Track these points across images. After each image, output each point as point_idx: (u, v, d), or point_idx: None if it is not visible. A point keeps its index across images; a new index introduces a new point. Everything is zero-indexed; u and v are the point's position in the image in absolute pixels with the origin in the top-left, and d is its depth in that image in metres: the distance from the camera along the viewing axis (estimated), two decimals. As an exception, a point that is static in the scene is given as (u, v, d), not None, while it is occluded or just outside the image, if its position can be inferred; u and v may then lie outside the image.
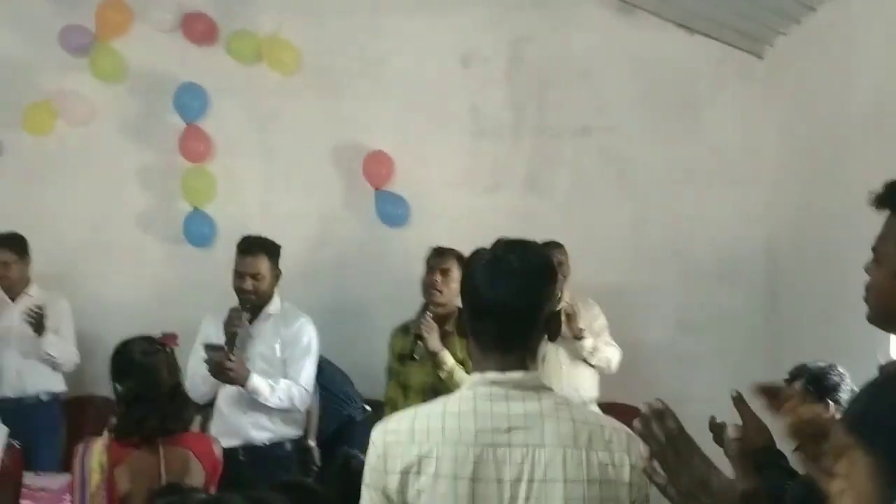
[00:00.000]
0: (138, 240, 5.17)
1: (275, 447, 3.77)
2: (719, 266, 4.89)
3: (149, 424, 2.64)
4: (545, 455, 1.52)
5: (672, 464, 1.01)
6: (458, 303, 3.86)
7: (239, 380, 3.60)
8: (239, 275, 3.77)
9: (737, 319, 4.81)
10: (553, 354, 4.24)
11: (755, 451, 1.66)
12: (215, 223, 5.10)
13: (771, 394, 1.80)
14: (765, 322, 4.82)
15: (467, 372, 3.70)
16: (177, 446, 2.68)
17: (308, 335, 3.87)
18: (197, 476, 2.66)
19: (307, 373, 3.82)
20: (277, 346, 3.79)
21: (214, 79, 5.05)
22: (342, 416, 4.27)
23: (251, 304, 3.75)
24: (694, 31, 4.93)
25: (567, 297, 4.33)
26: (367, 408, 4.33)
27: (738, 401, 1.65)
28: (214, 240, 5.10)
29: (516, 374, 1.57)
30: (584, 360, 4.32)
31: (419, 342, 3.71)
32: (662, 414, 1.04)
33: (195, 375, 3.65)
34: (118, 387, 2.70)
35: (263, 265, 3.79)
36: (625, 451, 1.56)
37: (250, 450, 3.70)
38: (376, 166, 5.02)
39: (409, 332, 3.87)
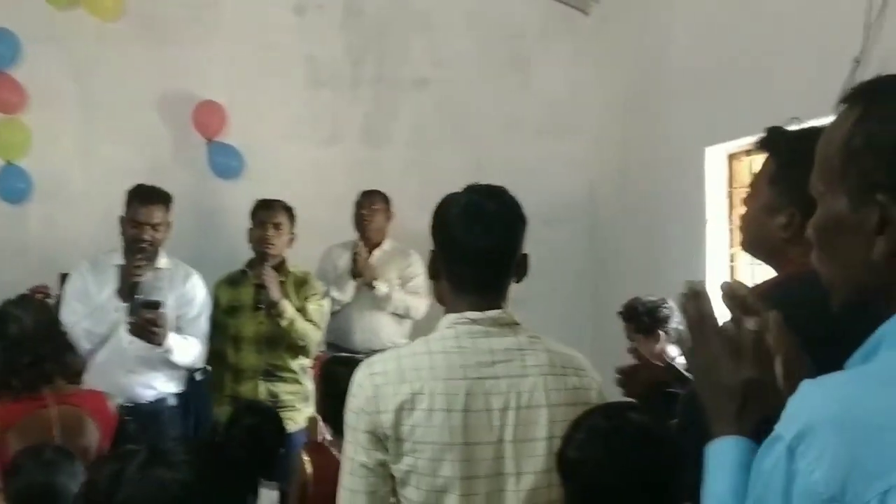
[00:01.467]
0: (-55, 197, 4.78)
1: (159, 403, 3.63)
2: (547, 211, 5.08)
3: (34, 376, 2.49)
4: (528, 384, 1.62)
5: (696, 341, 1.10)
6: (285, 253, 3.88)
7: (160, 338, 3.43)
8: (135, 224, 3.56)
9: (564, 262, 5.04)
10: (356, 301, 4.36)
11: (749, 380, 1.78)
12: (31, 178, 4.78)
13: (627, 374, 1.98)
14: (590, 263, 5.09)
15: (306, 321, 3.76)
16: (69, 405, 2.55)
17: (202, 290, 3.76)
18: (92, 434, 2.55)
19: (204, 329, 3.72)
20: (171, 302, 3.61)
21: (27, 24, 4.68)
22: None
23: (147, 256, 3.55)
24: (525, -15, 5.06)
25: (387, 244, 4.43)
26: (208, 367, 4.25)
27: (634, 350, 1.77)
28: (30, 195, 4.79)
29: (494, 313, 1.66)
30: (386, 308, 4.42)
31: (263, 291, 3.70)
32: (699, 296, 1.13)
33: (74, 330, 3.41)
34: None
35: (163, 214, 3.61)
36: (590, 375, 1.71)
37: (134, 408, 3.52)
38: (208, 116, 4.86)
39: (237, 284, 3.84)
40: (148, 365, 3.57)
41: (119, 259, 3.60)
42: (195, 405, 3.91)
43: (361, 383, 1.63)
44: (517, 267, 1.73)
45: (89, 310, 3.52)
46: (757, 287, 1.83)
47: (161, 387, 3.64)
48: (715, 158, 3.84)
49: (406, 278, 4.46)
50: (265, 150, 4.90)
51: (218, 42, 4.84)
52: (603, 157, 5.04)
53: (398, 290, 4.40)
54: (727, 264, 3.82)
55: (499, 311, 1.67)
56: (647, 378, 2.49)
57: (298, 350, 3.79)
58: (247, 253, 3.98)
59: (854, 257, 0.93)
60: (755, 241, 1.68)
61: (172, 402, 3.70)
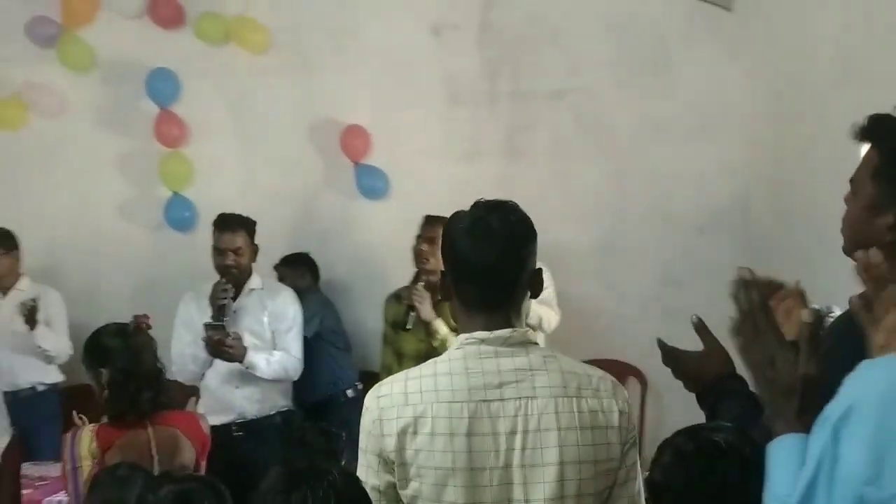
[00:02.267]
0: (120, 228, 5.18)
1: (266, 419, 3.82)
2: (699, 219, 4.93)
3: (141, 402, 2.66)
4: (537, 406, 1.56)
5: (748, 333, 1.06)
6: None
7: (237, 356, 3.63)
8: (219, 251, 3.80)
9: (719, 271, 4.79)
10: None
11: (716, 376, 1.69)
12: (195, 207, 5.10)
13: (770, 289, 1.82)
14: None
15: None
16: (165, 425, 2.70)
17: (293, 306, 3.96)
18: (188, 454, 2.69)
19: (298, 343, 3.91)
20: (265, 320, 3.84)
21: (185, 62, 5.02)
22: (332, 389, 4.34)
23: (234, 279, 3.78)
24: (662, -14, 4.93)
25: None
26: (360, 385, 4.39)
27: (699, 327, 1.68)
28: (196, 223, 5.11)
29: (503, 332, 1.61)
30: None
31: (412, 312, 3.76)
32: (750, 284, 1.08)
33: (182, 355, 3.68)
34: (103, 372, 2.69)
35: (242, 240, 3.82)
36: (612, 397, 1.62)
37: (243, 424, 3.76)
38: (353, 140, 5.02)
39: (401, 299, 3.92)
40: (253, 381, 3.75)
41: None
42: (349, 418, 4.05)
43: (369, 405, 1.62)
44: (530, 283, 1.66)
45: (193, 336, 3.73)
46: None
47: (268, 402, 3.82)
48: (874, 154, 3.61)
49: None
50: (408, 170, 5.01)
51: (360, 68, 4.99)
52: (756, 160, 4.81)
53: (531, 302, 4.33)
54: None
55: (509, 329, 1.62)
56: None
57: None
58: (400, 271, 4.07)
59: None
60: (857, 243, 1.50)
61: (279, 419, 3.88)
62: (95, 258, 5.14)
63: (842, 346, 1.04)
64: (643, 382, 4.75)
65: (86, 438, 2.64)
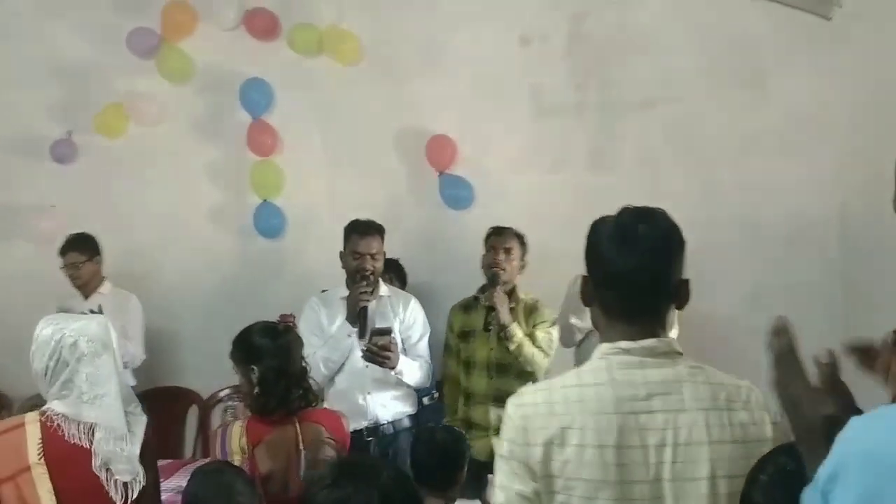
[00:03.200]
0: (210, 234, 5.32)
1: (396, 423, 3.86)
2: (792, 235, 4.78)
3: (291, 399, 2.74)
4: (687, 419, 1.53)
5: (780, 377, 1.05)
6: (516, 280, 3.93)
7: (393, 363, 3.68)
8: (358, 255, 3.84)
9: (811, 290, 4.70)
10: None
11: (830, 416, 1.63)
12: (284, 214, 5.21)
13: (862, 351, 1.78)
14: (841, 292, 4.71)
15: (535, 346, 3.79)
16: (312, 423, 2.78)
17: (422, 313, 4.02)
18: (330, 451, 2.76)
19: (426, 351, 3.96)
20: (397, 327, 3.87)
21: (278, 73, 5.15)
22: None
23: (371, 284, 3.81)
24: (758, -5, 4.81)
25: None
26: (436, 394, 4.40)
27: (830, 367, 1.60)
28: (284, 231, 5.22)
29: (649, 342, 1.57)
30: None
31: (492, 312, 3.79)
32: (779, 331, 1.08)
33: (314, 359, 3.74)
34: (254, 369, 2.76)
35: (378, 245, 3.88)
36: (763, 408, 1.57)
37: (375, 429, 3.80)
38: (439, 150, 5.06)
39: (470, 308, 3.94)
40: (384, 387, 3.78)
41: (344, 292, 3.85)
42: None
43: (511, 414, 1.59)
44: (677, 293, 1.61)
45: (323, 340, 3.79)
46: None
47: (397, 407, 3.84)
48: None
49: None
50: (493, 180, 5.02)
51: (447, 78, 5.02)
52: (853, 173, 4.64)
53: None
54: None
55: (655, 339, 1.57)
56: None
57: (527, 376, 3.82)
58: (480, 281, 4.09)
59: None
60: None
61: (407, 423, 3.87)
62: (184, 263, 5.29)
63: None
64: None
65: (236, 433, 2.73)
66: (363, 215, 4.97)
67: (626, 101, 4.93)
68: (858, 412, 1.64)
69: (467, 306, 4.07)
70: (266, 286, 5.15)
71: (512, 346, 3.76)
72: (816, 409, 0.96)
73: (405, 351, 3.84)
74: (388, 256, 4.78)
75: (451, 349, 4.07)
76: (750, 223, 4.81)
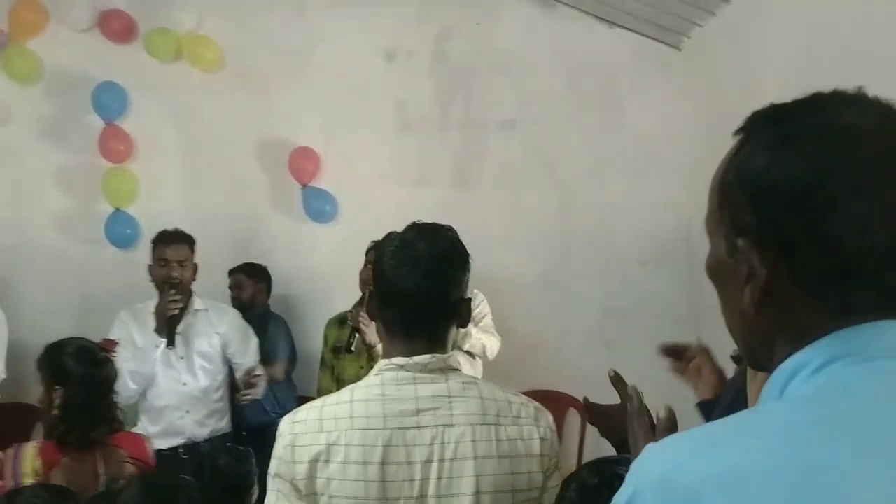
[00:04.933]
0: (59, 243, 5.06)
1: (209, 442, 3.76)
2: (642, 253, 5.01)
3: (92, 432, 2.58)
4: (455, 434, 1.52)
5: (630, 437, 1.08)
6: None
7: (258, 393, 3.70)
8: (164, 263, 3.71)
9: (661, 304, 4.94)
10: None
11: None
12: (138, 224, 5.01)
13: (676, 353, 1.86)
14: (688, 306, 4.96)
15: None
16: (111, 446, 2.63)
17: (244, 321, 3.92)
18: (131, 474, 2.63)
19: (256, 359, 3.87)
20: (217, 342, 3.77)
21: (134, 77, 4.96)
22: (271, 414, 4.26)
23: (180, 292, 3.70)
24: (614, 24, 5.03)
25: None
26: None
27: (616, 380, 1.68)
28: (138, 241, 5.01)
29: (422, 358, 1.56)
30: (457, 346, 4.33)
31: (356, 334, 3.73)
32: (632, 395, 1.12)
33: (123, 374, 3.59)
34: (58, 390, 2.58)
35: (186, 253, 3.77)
36: (533, 424, 1.58)
37: (191, 447, 3.68)
38: (302, 162, 5.00)
39: (345, 323, 3.89)
40: (202, 405, 3.71)
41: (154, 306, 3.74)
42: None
43: (283, 431, 1.57)
44: (457, 311, 1.61)
45: (131, 353, 3.67)
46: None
47: (214, 425, 3.78)
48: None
49: (476, 318, 4.41)
50: (357, 194, 5.01)
51: (312, 90, 4.99)
52: (699, 195, 4.89)
53: (475, 329, 4.35)
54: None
55: (429, 356, 1.56)
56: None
57: None
58: (344, 295, 4.05)
59: (735, 308, 0.84)
60: (707, 270, 1.60)
61: (218, 442, 3.80)
62: (31, 273, 5.01)
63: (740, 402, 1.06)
64: (582, 414, 4.78)
65: (29, 455, 2.55)
66: (222, 227, 4.88)
67: (489, 119, 5.04)
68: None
69: (342, 321, 3.99)
70: (118, 298, 4.92)
71: (462, 337, 3.71)
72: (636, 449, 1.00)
73: (235, 367, 3.79)
74: (255, 262, 4.70)
75: (325, 363, 4.00)
76: (605, 241, 5.01)
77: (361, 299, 3.82)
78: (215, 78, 4.99)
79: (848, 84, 2.94)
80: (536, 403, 1.65)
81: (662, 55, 5.06)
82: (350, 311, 3.88)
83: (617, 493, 0.80)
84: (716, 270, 0.88)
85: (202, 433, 3.75)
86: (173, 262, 3.71)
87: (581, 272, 5.00)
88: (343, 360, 3.87)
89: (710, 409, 1.74)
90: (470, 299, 1.65)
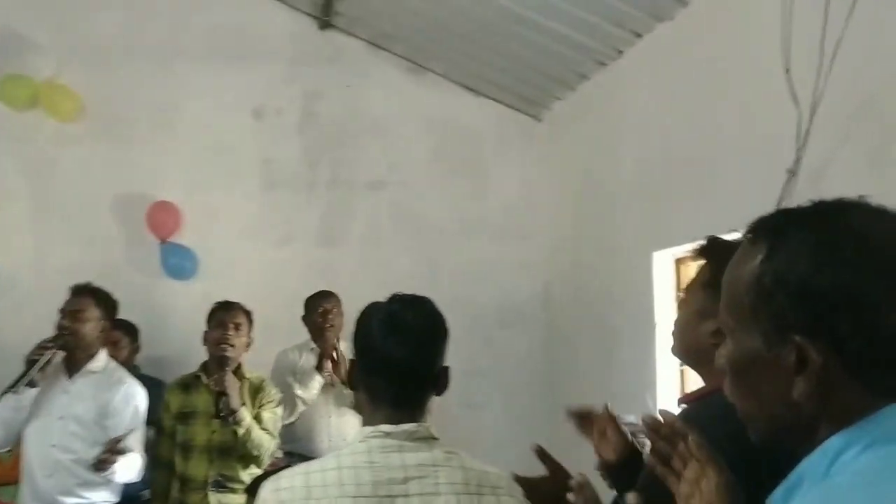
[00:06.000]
0: None
1: None
2: (502, 314, 5.15)
3: None
4: (441, 502, 1.56)
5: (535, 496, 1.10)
6: (241, 357, 3.81)
7: (108, 467, 3.31)
8: (61, 313, 3.50)
9: (520, 364, 5.06)
10: (321, 402, 4.24)
11: (557, 497, 1.75)
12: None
13: (581, 417, 1.94)
14: (546, 365, 5.10)
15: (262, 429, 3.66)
16: None
17: (140, 399, 3.60)
18: None
19: (139, 444, 3.56)
20: (94, 408, 3.48)
21: (-16, 124, 4.72)
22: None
23: (66, 345, 3.45)
24: (479, 93, 5.22)
25: (343, 346, 4.26)
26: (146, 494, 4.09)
27: (541, 453, 1.72)
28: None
29: (409, 426, 1.60)
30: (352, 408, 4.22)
31: (223, 398, 3.58)
32: (582, 487, 1.14)
33: None
34: None
35: (89, 307, 3.53)
36: (509, 494, 1.64)
37: None
38: (162, 217, 4.87)
39: (190, 388, 3.73)
40: (70, 472, 3.45)
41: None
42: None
43: (267, 499, 1.55)
44: (437, 380, 1.68)
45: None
46: (685, 397, 1.84)
47: (87, 495, 3.50)
48: (662, 262, 3.92)
49: None
50: (220, 251, 4.91)
51: (176, 144, 4.90)
52: (556, 260, 5.12)
53: None
54: (677, 367, 3.85)
55: (414, 424, 1.60)
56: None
57: (251, 460, 3.65)
58: (200, 357, 3.91)
59: (772, 395, 0.92)
60: (685, 346, 1.71)
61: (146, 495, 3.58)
62: None
63: (717, 433, 1.12)
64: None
65: None
66: (73, 281, 4.63)
67: (357, 181, 5.09)
68: None
69: (187, 385, 3.80)
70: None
71: (241, 432, 3.57)
72: None
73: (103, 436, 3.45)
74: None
75: (165, 431, 3.78)
76: (468, 302, 5.09)
77: (220, 362, 3.69)
78: (73, 128, 4.82)
79: (700, 158, 3.15)
80: (508, 475, 1.71)
81: (524, 125, 5.28)
82: (200, 377, 3.73)
83: None
84: (747, 364, 0.94)
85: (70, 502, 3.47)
86: (68, 311, 3.49)
87: (445, 334, 5.06)
88: (193, 425, 3.69)
89: (613, 472, 1.82)
90: (448, 367, 1.68)
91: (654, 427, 1.14)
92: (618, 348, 4.23)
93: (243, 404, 3.62)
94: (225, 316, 3.76)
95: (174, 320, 4.84)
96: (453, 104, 5.19)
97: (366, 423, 1.64)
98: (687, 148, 3.65)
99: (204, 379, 3.71)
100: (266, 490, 1.57)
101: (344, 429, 4.20)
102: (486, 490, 1.61)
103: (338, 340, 4.27)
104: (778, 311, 0.89)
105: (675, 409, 1.71)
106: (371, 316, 1.66)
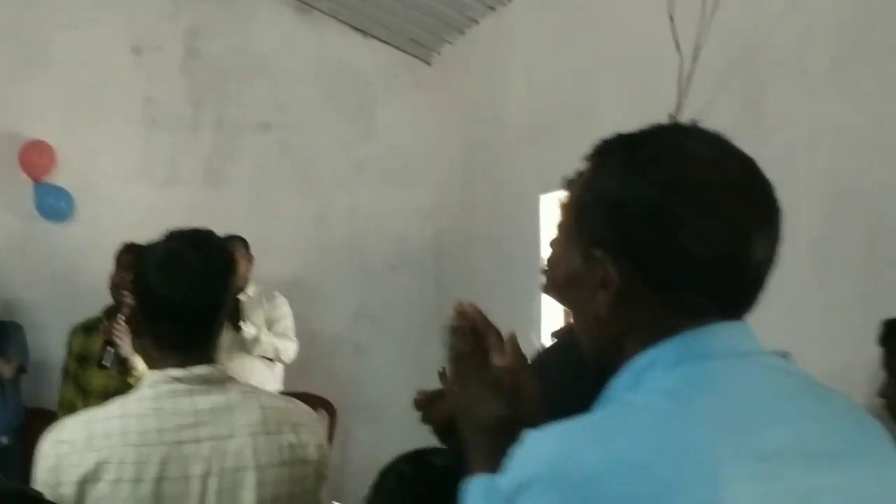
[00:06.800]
0: None
1: None
2: (393, 258, 5.17)
3: None
4: (235, 445, 1.49)
5: (457, 377, 1.06)
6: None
7: None
8: None
9: (410, 307, 5.11)
10: (220, 346, 4.18)
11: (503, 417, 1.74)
12: None
13: (429, 401, 1.91)
14: (436, 308, 5.16)
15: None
16: None
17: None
18: None
19: None
20: None
21: None
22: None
23: None
24: (369, 34, 5.15)
25: (252, 290, 4.30)
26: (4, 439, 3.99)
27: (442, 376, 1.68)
28: None
29: (200, 369, 1.51)
30: (255, 351, 4.22)
31: (109, 347, 3.45)
32: (460, 330, 1.10)
33: None
34: None
35: None
36: (311, 431, 1.60)
37: None
38: (35, 156, 4.63)
39: (92, 331, 3.60)
40: None
41: None
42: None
43: (46, 453, 1.46)
44: (227, 313, 1.60)
45: None
46: (557, 331, 1.90)
47: None
48: (549, 206, 4.00)
49: (272, 321, 4.34)
50: (100, 193, 4.72)
51: (49, 80, 4.64)
52: (447, 204, 5.15)
53: (266, 333, 4.23)
54: (561, 308, 3.97)
55: (206, 366, 1.51)
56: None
57: None
58: (79, 299, 3.79)
59: (588, 313, 0.94)
60: (555, 282, 1.68)
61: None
62: None
63: (559, 371, 1.13)
64: (332, 413, 4.82)
65: None
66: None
67: (244, 122, 4.97)
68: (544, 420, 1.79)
69: (89, 328, 3.64)
70: None
71: (132, 381, 3.39)
72: (489, 410, 1.01)
73: None
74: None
75: (68, 374, 3.65)
76: (358, 246, 5.10)
77: (111, 308, 3.56)
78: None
79: (587, 96, 3.24)
80: (313, 412, 1.66)
81: (415, 68, 5.25)
82: (102, 322, 3.60)
83: (494, 481, 0.84)
84: (568, 280, 0.96)
85: None
86: None
87: (335, 276, 5.06)
88: (89, 370, 3.58)
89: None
90: (238, 300, 1.63)
91: (464, 316, 1.14)
92: (507, 291, 4.32)
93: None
94: (128, 259, 3.60)
95: (51, 263, 4.65)
96: (342, 45, 5.11)
97: (153, 367, 1.55)
98: (573, 92, 3.72)
99: (104, 323, 3.56)
100: (46, 443, 1.47)
101: (247, 371, 4.18)
102: (286, 428, 1.55)
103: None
104: (591, 228, 0.91)
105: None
106: (148, 257, 1.55)
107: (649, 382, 0.87)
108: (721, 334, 0.88)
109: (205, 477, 1.46)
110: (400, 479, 1.51)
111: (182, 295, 1.49)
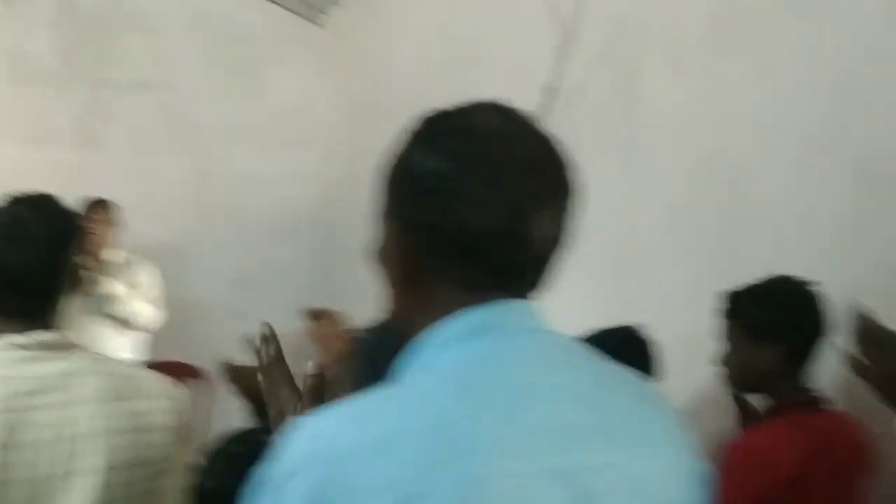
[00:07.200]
0: None
1: None
2: (276, 223, 5.08)
3: None
4: (84, 411, 1.48)
5: (268, 385, 1.08)
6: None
7: None
8: None
9: (292, 275, 5.04)
10: (74, 310, 4.06)
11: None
12: None
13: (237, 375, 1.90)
14: (320, 276, 5.12)
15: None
16: None
17: None
18: None
19: None
20: None
21: None
22: None
23: None
24: (256, -8, 5.01)
25: (117, 254, 4.15)
26: None
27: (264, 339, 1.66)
28: None
29: (42, 335, 1.49)
30: (111, 317, 4.14)
31: None
32: (268, 339, 1.11)
33: None
34: None
35: None
36: (157, 396, 1.58)
37: None
38: None
39: None
40: None
41: None
42: None
43: None
44: (70, 278, 1.58)
45: None
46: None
47: None
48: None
49: (134, 287, 4.22)
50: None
51: None
52: (333, 170, 5.09)
53: (124, 293, 4.12)
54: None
55: (49, 332, 1.51)
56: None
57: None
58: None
59: (388, 287, 0.94)
60: (373, 255, 1.72)
61: None
62: None
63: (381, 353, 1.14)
64: (209, 383, 4.74)
65: None
66: None
67: (119, 80, 4.76)
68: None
69: None
70: None
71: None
72: (289, 406, 1.02)
73: None
74: None
75: None
76: (238, 211, 4.99)
77: None
78: None
79: (476, 55, 3.24)
80: (166, 378, 1.64)
81: (304, 30, 5.14)
82: None
83: (268, 464, 0.83)
84: (377, 254, 0.95)
85: None
86: None
87: (213, 241, 4.93)
88: None
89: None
90: (79, 263, 1.58)
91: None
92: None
93: None
94: None
95: None
96: (227, 2, 4.95)
97: None
98: (457, 62, 3.72)
99: None
100: None
101: (99, 337, 4.06)
102: (137, 394, 1.55)
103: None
104: (388, 200, 0.92)
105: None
106: None
107: (423, 361, 0.87)
108: (501, 311, 0.88)
109: (53, 444, 1.44)
110: (229, 458, 1.50)
111: (21, 261, 1.48)
